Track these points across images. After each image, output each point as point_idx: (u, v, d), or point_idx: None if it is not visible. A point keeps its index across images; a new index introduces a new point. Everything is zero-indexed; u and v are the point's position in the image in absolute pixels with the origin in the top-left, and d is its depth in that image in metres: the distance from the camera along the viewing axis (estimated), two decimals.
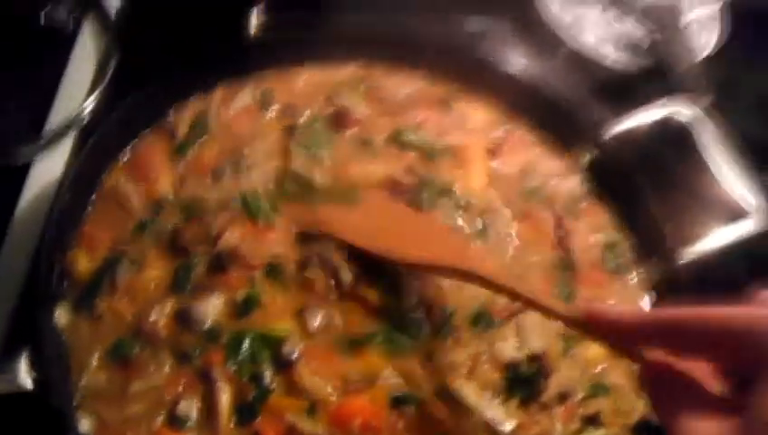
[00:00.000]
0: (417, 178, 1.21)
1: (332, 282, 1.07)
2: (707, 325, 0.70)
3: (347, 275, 1.07)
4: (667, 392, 0.74)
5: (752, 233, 1.26)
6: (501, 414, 1.03)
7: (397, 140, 1.26)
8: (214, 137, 1.22)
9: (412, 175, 1.21)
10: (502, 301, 1.10)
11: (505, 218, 1.22)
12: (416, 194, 1.19)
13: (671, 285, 1.18)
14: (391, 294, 1.08)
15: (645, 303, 1.21)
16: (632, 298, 1.21)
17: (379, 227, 1.13)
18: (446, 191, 1.21)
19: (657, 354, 0.77)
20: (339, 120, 1.27)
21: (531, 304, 0.95)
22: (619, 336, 0.80)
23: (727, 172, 1.31)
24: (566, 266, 1.20)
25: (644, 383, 0.79)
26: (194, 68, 1.26)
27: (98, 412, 0.95)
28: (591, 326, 0.83)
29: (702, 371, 0.74)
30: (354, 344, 1.03)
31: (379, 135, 1.27)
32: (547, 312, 0.93)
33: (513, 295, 0.98)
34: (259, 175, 1.18)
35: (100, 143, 1.14)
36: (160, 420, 0.96)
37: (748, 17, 1.82)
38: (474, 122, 1.34)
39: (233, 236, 1.09)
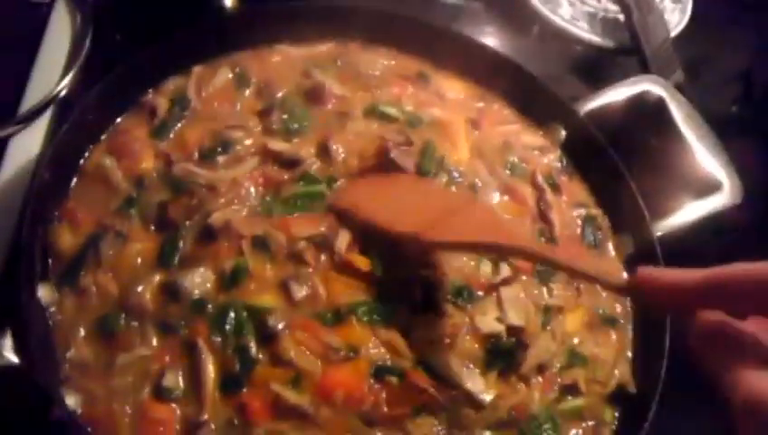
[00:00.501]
0: (408, 139, 1.22)
1: (322, 253, 1.08)
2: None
3: (342, 242, 1.08)
4: (722, 350, 0.70)
5: (723, 207, 1.29)
6: (481, 385, 1.05)
7: (374, 113, 1.27)
8: (195, 115, 1.22)
9: (404, 136, 1.22)
10: (484, 274, 1.13)
11: (491, 189, 1.24)
12: (417, 159, 1.20)
13: (646, 257, 1.20)
14: (382, 265, 1.09)
15: (622, 274, 1.23)
16: (609, 270, 1.23)
17: (407, 205, 1.13)
18: (440, 161, 1.23)
19: (710, 314, 0.72)
20: (315, 95, 1.27)
21: (574, 272, 0.96)
22: (674, 300, 0.75)
23: (699, 148, 1.34)
24: (547, 240, 1.22)
25: (696, 344, 0.73)
26: (170, 46, 1.25)
27: (84, 386, 0.96)
28: (643, 292, 0.78)
29: (760, 326, 0.71)
30: (338, 315, 1.04)
31: (358, 108, 1.27)
32: (592, 279, 0.93)
33: (556, 265, 0.98)
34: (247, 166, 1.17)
35: (79, 121, 1.13)
36: (147, 391, 0.96)
37: None
38: (452, 95, 1.35)
39: (226, 212, 1.09)
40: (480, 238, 1.05)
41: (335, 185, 1.17)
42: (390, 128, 1.25)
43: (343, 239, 1.08)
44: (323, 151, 1.19)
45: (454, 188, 1.22)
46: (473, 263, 1.14)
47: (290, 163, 1.17)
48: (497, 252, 1.10)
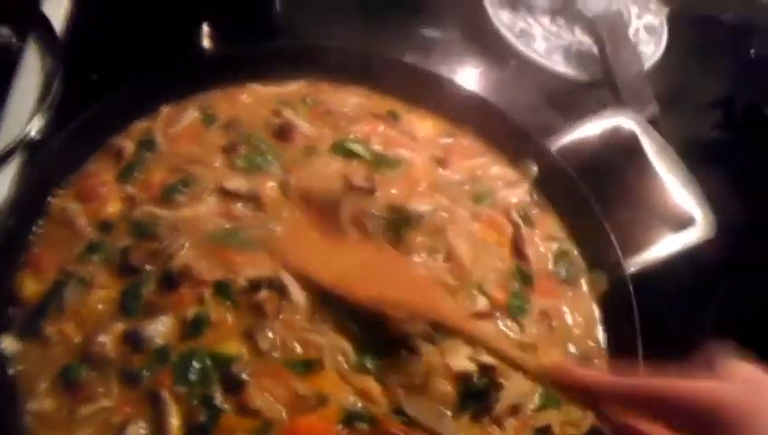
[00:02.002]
0: (372, 184, 1.22)
1: (282, 303, 1.07)
2: (669, 400, 0.72)
3: (298, 297, 1.07)
4: None
5: (696, 241, 1.28)
6: (453, 429, 1.03)
7: (340, 150, 1.27)
8: (161, 156, 1.21)
9: (369, 181, 1.22)
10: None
11: (463, 218, 1.24)
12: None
13: (619, 292, 1.19)
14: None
15: (595, 311, 1.22)
16: (583, 306, 1.22)
17: (351, 265, 1.12)
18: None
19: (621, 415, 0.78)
20: (282, 133, 1.27)
21: (498, 355, 0.97)
22: (584, 396, 0.82)
23: (672, 182, 1.33)
24: (524, 277, 1.21)
25: None
26: (140, 87, 1.25)
27: None
28: (557, 384, 0.85)
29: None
30: (308, 365, 1.03)
31: (324, 145, 1.28)
32: (516, 365, 0.94)
33: (485, 346, 1.00)
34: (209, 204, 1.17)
35: (45, 166, 1.13)
36: None
37: (689, 26, 1.85)
38: (422, 133, 1.35)
39: (186, 255, 1.08)
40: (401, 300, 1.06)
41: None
42: (354, 167, 1.26)
43: (297, 292, 1.08)
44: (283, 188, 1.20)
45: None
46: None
47: (249, 199, 1.17)
48: (417, 316, 1.08)
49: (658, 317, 1.15)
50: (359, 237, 1.17)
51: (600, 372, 0.88)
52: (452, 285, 1.16)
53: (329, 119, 1.32)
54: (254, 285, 1.07)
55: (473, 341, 1.02)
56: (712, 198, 1.32)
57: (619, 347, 1.16)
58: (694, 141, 1.56)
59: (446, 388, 1.06)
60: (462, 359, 1.08)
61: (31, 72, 1.42)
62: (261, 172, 1.21)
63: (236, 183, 1.18)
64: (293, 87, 1.36)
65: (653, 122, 1.45)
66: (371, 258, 1.14)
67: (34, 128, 1.32)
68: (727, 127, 1.80)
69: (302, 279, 1.09)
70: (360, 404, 1.02)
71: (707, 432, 0.70)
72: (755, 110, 1.80)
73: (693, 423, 0.71)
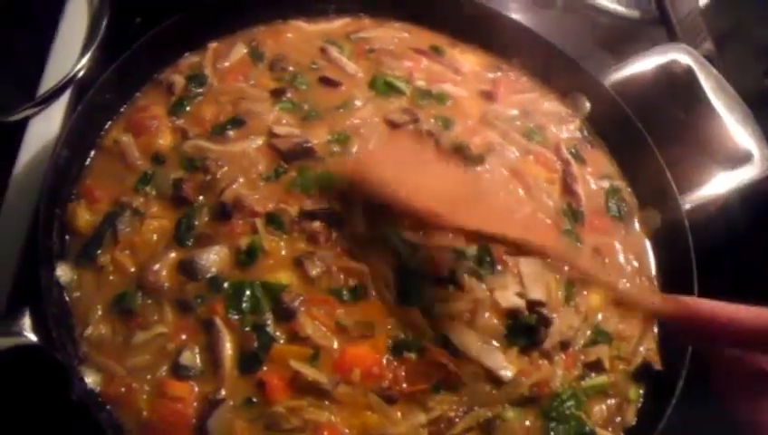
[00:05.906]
0: (414, 116, 1.21)
1: (334, 233, 1.07)
2: None
3: (356, 222, 1.08)
4: (747, 383, 0.75)
5: (753, 178, 1.26)
6: (501, 361, 1.03)
7: (381, 87, 1.26)
8: (211, 91, 1.21)
9: (409, 114, 1.22)
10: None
11: (511, 155, 1.23)
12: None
13: (674, 229, 1.17)
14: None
15: (648, 248, 1.20)
16: (636, 244, 1.21)
17: (431, 179, 1.10)
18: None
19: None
20: (328, 81, 1.26)
21: (604, 285, 0.97)
22: (722, 336, 0.76)
23: (728, 118, 1.30)
24: (574, 215, 1.20)
25: (716, 381, 0.78)
26: (185, 23, 1.23)
27: (102, 364, 0.95)
28: (687, 322, 0.80)
29: None
30: (355, 292, 1.03)
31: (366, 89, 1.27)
32: (623, 295, 0.95)
33: (583, 272, 0.99)
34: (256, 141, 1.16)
35: (96, 99, 1.13)
36: (164, 369, 0.96)
37: None
38: (467, 68, 1.33)
39: (238, 188, 1.09)
40: (508, 232, 1.02)
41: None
42: (397, 105, 1.25)
43: (356, 221, 1.09)
44: (336, 139, 1.18)
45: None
46: None
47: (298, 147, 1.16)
48: (521, 248, 1.05)
49: (713, 254, 1.13)
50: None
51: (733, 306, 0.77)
52: None
53: (372, 56, 1.31)
54: (308, 215, 1.07)
55: (585, 277, 1.00)
56: None
57: (674, 283, 1.14)
58: (750, 83, 1.51)
59: (493, 322, 1.06)
60: (510, 295, 1.08)
61: (78, 11, 1.43)
62: (312, 120, 1.20)
63: (285, 129, 1.17)
64: (337, 24, 1.35)
65: (708, 60, 1.40)
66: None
67: (82, 66, 1.33)
68: None
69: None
70: (407, 335, 1.02)
71: None
72: None
73: None
